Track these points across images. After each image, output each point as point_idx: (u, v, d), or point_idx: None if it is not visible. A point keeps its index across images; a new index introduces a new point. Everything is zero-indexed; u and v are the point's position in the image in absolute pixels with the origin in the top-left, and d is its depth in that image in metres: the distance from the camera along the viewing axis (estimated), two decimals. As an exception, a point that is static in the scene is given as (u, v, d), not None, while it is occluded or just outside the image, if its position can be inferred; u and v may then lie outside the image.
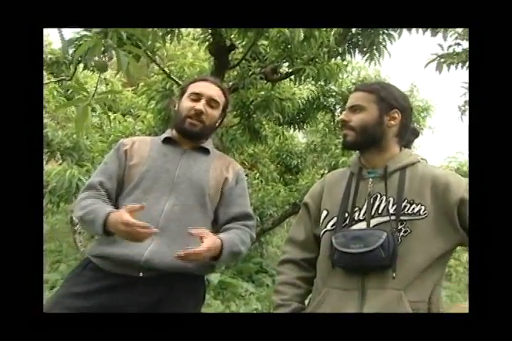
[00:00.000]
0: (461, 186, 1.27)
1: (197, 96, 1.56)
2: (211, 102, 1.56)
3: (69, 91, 5.48)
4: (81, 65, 4.33)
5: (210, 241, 1.35)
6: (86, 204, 1.43)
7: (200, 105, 1.54)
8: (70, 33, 3.78)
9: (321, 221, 1.38)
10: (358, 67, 5.46)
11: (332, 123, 5.91)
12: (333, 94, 5.39)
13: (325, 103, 5.41)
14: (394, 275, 1.21)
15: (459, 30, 2.83)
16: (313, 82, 4.81)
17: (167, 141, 1.59)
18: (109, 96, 5.98)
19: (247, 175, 6.06)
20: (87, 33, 3.12)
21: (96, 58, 1.21)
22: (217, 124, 1.63)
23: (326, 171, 5.84)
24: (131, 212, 1.31)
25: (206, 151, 1.60)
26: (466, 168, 5.19)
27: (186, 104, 1.56)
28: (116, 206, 1.49)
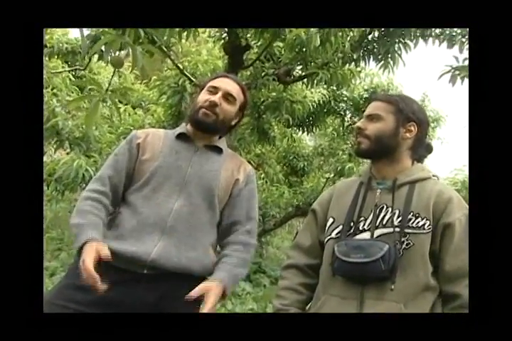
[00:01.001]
0: (457, 211, 1.28)
1: (214, 90, 1.55)
2: (228, 96, 1.55)
3: (82, 80, 5.48)
4: (96, 56, 4.35)
5: (211, 299, 1.36)
6: (83, 210, 1.42)
7: (216, 97, 1.53)
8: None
9: (327, 228, 1.38)
10: (371, 74, 5.44)
11: (341, 128, 5.91)
12: (345, 99, 5.39)
13: (335, 108, 5.41)
14: (392, 287, 1.22)
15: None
16: (325, 86, 4.81)
17: (181, 136, 1.57)
18: (118, 93, 6.00)
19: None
20: (106, 29, 3.13)
21: (112, 54, 1.22)
22: (232, 123, 1.61)
23: (332, 175, 5.84)
24: (99, 259, 1.31)
25: (219, 150, 1.59)
26: (472, 181, 5.14)
27: (203, 96, 1.56)
28: (124, 200, 1.50)
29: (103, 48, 1.59)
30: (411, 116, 1.36)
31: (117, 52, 1.52)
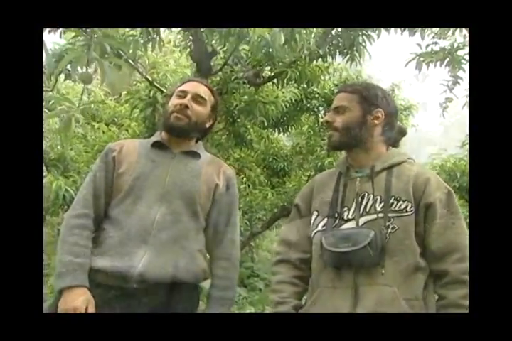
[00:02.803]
0: (436, 190, 1.30)
1: (183, 93, 1.56)
2: (197, 98, 1.56)
3: (50, 103, 5.42)
4: (62, 76, 4.30)
5: None
6: (69, 242, 1.41)
7: (185, 100, 1.53)
8: (51, 43, 3.75)
9: (312, 222, 1.39)
10: (339, 68, 5.49)
11: (316, 125, 5.93)
12: (316, 96, 5.41)
13: (308, 105, 5.43)
14: (383, 271, 1.24)
15: (435, 29, 2.89)
16: (295, 85, 4.84)
17: (156, 145, 1.56)
18: (92, 106, 5.95)
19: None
20: (70, 46, 3.11)
21: (80, 70, 1.21)
22: (206, 125, 1.61)
23: (313, 173, 5.87)
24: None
25: (197, 155, 1.57)
26: (449, 164, 5.26)
27: (173, 101, 1.56)
28: (106, 215, 1.48)
29: (69, 67, 1.58)
30: (376, 102, 1.38)
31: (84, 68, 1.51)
